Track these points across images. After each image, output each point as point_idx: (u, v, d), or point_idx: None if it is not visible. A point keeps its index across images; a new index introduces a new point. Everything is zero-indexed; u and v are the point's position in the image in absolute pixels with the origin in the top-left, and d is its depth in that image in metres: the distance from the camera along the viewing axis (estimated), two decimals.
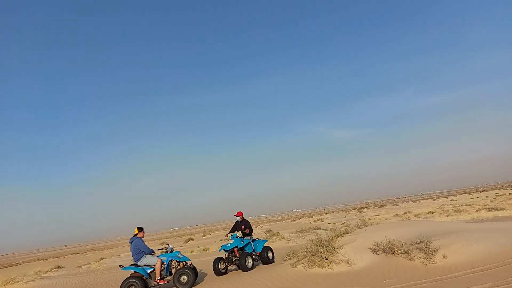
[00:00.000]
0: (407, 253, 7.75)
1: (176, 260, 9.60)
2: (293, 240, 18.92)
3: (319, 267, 8.21)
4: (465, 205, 37.16)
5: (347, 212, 68.99)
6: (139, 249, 9.22)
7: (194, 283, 9.08)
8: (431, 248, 7.48)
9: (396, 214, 37.05)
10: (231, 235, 11.06)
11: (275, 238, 20.96)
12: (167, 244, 10.06)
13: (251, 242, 11.17)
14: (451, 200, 61.31)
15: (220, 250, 11.03)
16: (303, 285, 7.31)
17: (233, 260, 10.55)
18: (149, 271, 9.13)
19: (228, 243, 10.70)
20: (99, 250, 58.81)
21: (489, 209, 24.81)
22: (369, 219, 35.02)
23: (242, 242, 10.69)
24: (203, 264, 13.82)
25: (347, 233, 9.52)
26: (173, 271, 9.37)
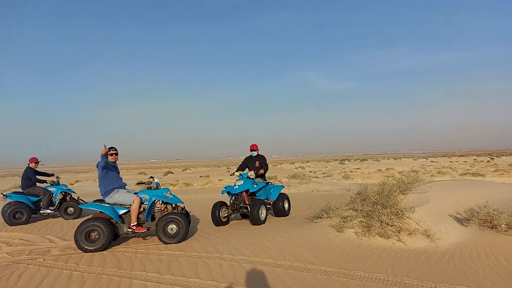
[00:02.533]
0: None
1: (162, 201, 6.64)
2: (294, 187, 16.36)
3: (381, 236, 5.45)
4: (446, 167, 36.17)
5: (328, 163, 67.84)
6: (102, 178, 6.18)
7: (186, 236, 6.25)
8: None
9: (379, 170, 35.87)
10: (240, 174, 8.18)
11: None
12: (152, 177, 7.02)
13: (266, 187, 8.33)
14: (431, 161, 60.90)
15: (223, 193, 8.18)
16: (368, 266, 4.54)
17: (240, 207, 7.82)
18: (121, 212, 6.15)
19: (235, 185, 7.83)
20: (76, 173, 56.13)
21: (472, 174, 23.60)
22: (351, 171, 33.70)
23: (255, 186, 7.88)
24: (191, 203, 11.06)
25: (406, 190, 6.69)
26: (158, 215, 6.48)
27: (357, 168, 40.22)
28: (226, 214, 7.78)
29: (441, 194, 6.54)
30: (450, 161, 58.07)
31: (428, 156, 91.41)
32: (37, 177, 9.41)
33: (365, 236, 5.53)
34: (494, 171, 25.24)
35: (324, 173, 33.77)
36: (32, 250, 5.91)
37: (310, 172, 35.90)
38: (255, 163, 8.52)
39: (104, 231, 5.76)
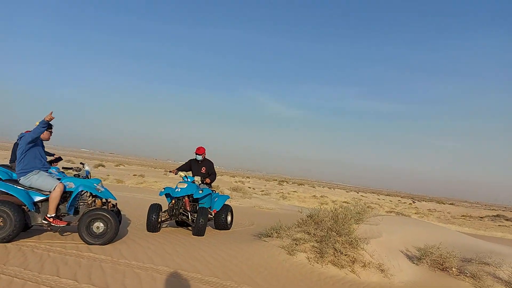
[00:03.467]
0: (474, 276, 4.96)
1: (91, 194, 5.61)
2: (236, 200, 15.76)
3: (334, 265, 5.05)
4: (374, 203, 38.65)
5: (267, 181, 68.66)
6: (23, 154, 5.06)
7: (114, 237, 5.30)
8: None
9: (314, 196, 37.31)
10: (185, 175, 7.33)
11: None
12: (82, 164, 5.96)
13: (211, 195, 7.52)
14: (361, 195, 64.68)
15: (161, 194, 7.16)
16: None
17: (180, 213, 6.91)
18: (37, 199, 5.04)
19: (177, 187, 6.96)
20: None
21: (397, 213, 25.32)
22: (288, 193, 34.47)
23: (200, 192, 7.01)
24: (123, 202, 9.90)
25: (360, 220, 6.47)
26: (83, 210, 5.43)
27: (294, 191, 41.13)
28: (163, 219, 6.89)
29: (390, 229, 6.41)
30: (378, 198, 62.13)
31: (358, 190, 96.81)
32: None
33: (317, 262, 5.10)
34: (415, 213, 27.22)
35: (262, 190, 34.03)
36: None
37: (249, 188, 35.69)
38: (201, 168, 7.71)
39: (12, 219, 4.65)
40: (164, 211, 7.01)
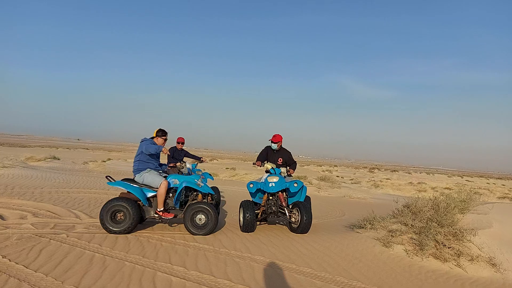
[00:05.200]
0: None
1: (192, 188, 6.24)
2: (325, 190, 15.64)
3: (436, 258, 4.75)
4: (483, 188, 33.86)
5: (357, 169, 65.96)
6: (141, 152, 5.85)
7: (214, 229, 5.80)
8: None
9: (410, 183, 34.38)
10: (271, 167, 6.58)
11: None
12: (183, 162, 6.63)
13: (302, 188, 6.60)
14: (466, 180, 57.66)
15: (252, 190, 6.49)
16: None
17: (274, 210, 6.24)
18: (149, 195, 5.81)
19: (268, 181, 6.29)
20: (109, 151, 57.76)
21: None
22: (380, 181, 32.43)
23: (295, 185, 6.27)
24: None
25: (465, 209, 5.90)
26: (187, 203, 6.07)
27: (387, 178, 38.81)
28: (259, 218, 6.39)
29: (503, 218, 5.70)
30: (487, 183, 54.81)
31: (463, 175, 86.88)
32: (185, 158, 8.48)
33: (416, 255, 4.85)
34: None
35: (352, 179, 32.88)
36: (57, 224, 5.68)
37: (337, 177, 34.91)
38: (277, 158, 6.89)
39: (131, 213, 5.43)
40: (257, 208, 6.44)
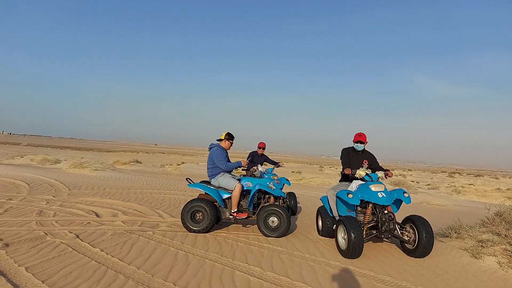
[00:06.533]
0: None
1: (265, 191, 6.39)
2: None
3: None
4: None
5: (434, 174, 60.94)
6: (213, 161, 6.16)
7: (287, 231, 5.85)
8: None
9: (498, 189, 30.59)
10: (365, 173, 5.40)
11: None
12: (256, 165, 6.83)
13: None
14: None
15: (355, 202, 5.09)
16: None
17: (391, 227, 4.94)
18: (225, 196, 6.09)
19: (377, 191, 5.03)
20: (182, 155, 61.46)
21: None
22: (462, 186, 29.35)
23: (405, 195, 5.23)
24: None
25: None
26: (260, 206, 6.23)
27: (469, 184, 35.28)
28: (367, 237, 5.06)
29: None
30: None
31: None
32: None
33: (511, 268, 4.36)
34: None
35: (429, 184, 30.51)
36: (143, 222, 6.24)
37: (412, 181, 32.69)
38: (362, 161, 5.91)
39: (209, 213, 5.73)
40: (362, 224, 5.14)
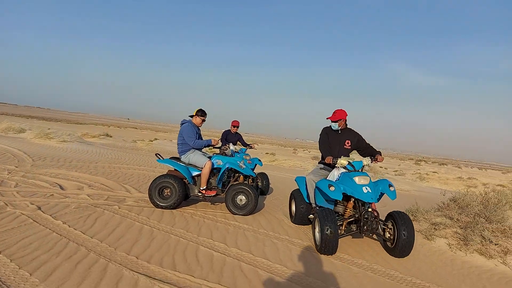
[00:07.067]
0: None
1: (235, 170, 6.46)
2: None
3: (481, 254, 4.58)
4: None
5: (402, 161, 63.42)
6: (183, 137, 6.12)
7: (254, 209, 5.98)
8: None
9: (459, 177, 32.41)
10: (348, 163, 4.75)
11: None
12: (227, 144, 6.85)
13: None
14: None
15: (335, 196, 4.39)
16: (465, 287, 3.81)
17: (374, 227, 4.40)
18: (194, 174, 6.09)
19: (362, 184, 4.42)
20: (155, 131, 60.31)
21: None
22: (426, 174, 30.87)
23: (391, 189, 4.61)
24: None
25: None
26: (229, 184, 6.29)
27: (434, 172, 37.02)
28: (343, 233, 4.57)
29: None
30: None
31: None
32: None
33: (460, 250, 4.70)
34: None
35: (396, 170, 31.71)
36: (109, 196, 6.16)
37: (380, 167, 33.89)
38: (343, 141, 5.11)
39: (177, 190, 5.74)
40: (340, 219, 4.59)
